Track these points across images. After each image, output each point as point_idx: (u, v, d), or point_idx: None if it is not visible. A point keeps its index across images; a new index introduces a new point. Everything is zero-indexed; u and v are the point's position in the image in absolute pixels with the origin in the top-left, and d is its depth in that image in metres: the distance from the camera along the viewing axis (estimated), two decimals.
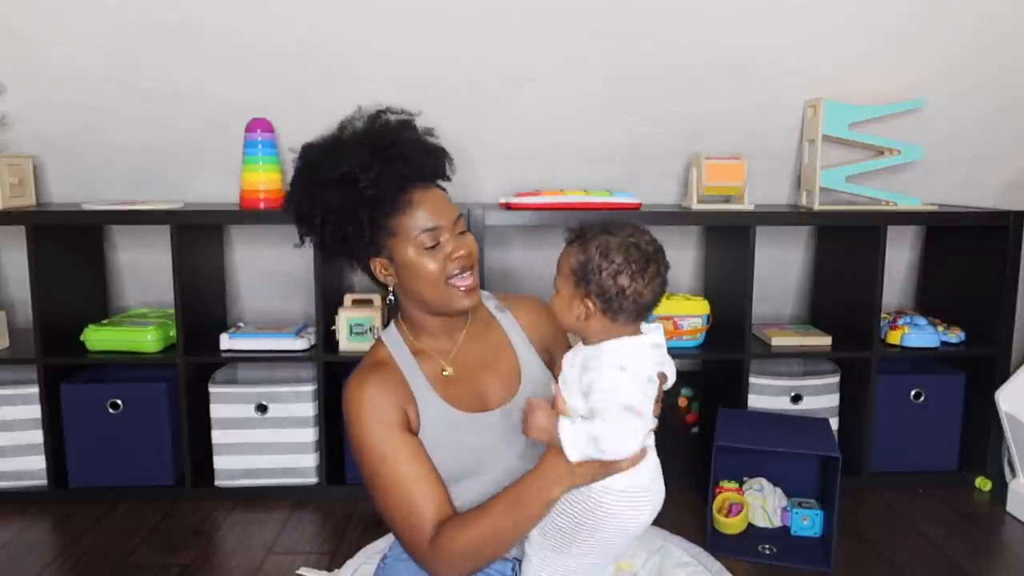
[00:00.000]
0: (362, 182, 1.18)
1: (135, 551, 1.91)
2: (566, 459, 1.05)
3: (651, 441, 1.14)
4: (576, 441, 1.03)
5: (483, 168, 2.34)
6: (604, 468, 1.08)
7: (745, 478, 2.08)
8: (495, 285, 2.39)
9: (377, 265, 1.25)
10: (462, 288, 1.22)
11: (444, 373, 1.26)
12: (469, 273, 1.22)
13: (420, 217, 1.20)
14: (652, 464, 1.14)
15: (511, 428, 1.21)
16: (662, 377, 1.12)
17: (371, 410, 1.18)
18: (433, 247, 1.20)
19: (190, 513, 2.11)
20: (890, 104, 2.21)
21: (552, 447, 1.09)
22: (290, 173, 1.29)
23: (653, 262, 1.08)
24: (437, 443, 1.20)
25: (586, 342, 1.12)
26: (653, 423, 1.11)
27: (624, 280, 1.06)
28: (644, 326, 1.12)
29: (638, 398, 1.05)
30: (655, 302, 1.10)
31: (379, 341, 1.31)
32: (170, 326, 2.19)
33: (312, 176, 1.22)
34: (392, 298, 1.29)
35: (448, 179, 1.30)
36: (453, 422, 1.21)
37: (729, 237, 2.28)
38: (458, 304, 1.22)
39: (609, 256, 1.06)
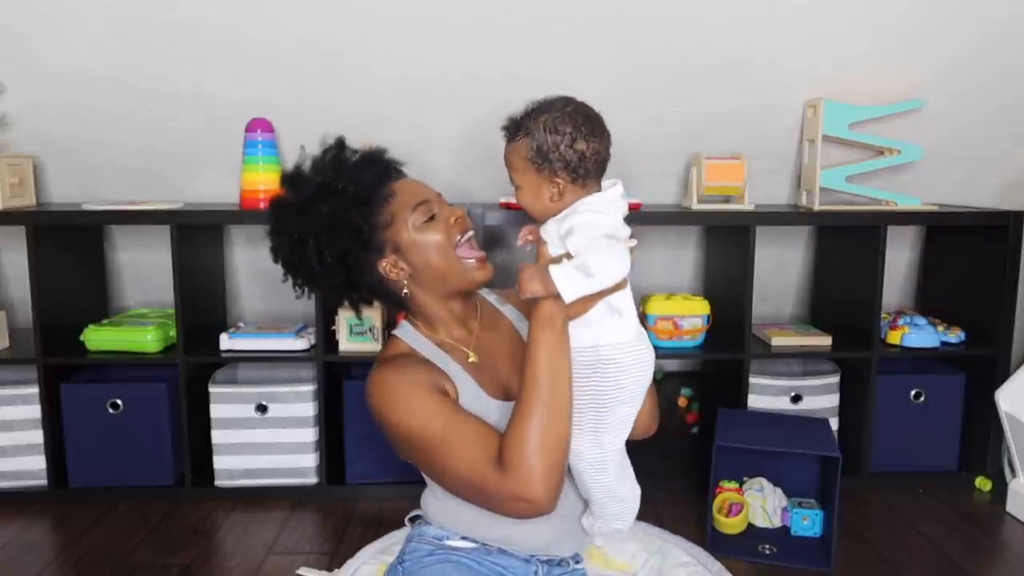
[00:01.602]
0: (341, 183, 1.21)
1: (135, 551, 1.91)
2: (555, 301, 1.11)
3: (630, 304, 1.19)
4: (569, 278, 1.08)
5: (483, 168, 2.34)
6: (593, 296, 1.12)
7: (745, 478, 2.08)
8: (495, 284, 2.39)
9: (386, 265, 1.25)
10: (473, 260, 1.24)
11: (469, 360, 1.26)
12: (471, 239, 1.26)
13: (407, 196, 1.24)
14: (633, 311, 1.19)
15: None
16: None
17: (406, 392, 1.17)
18: (430, 219, 1.23)
19: (190, 513, 2.11)
20: (890, 104, 2.21)
21: (539, 306, 1.13)
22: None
23: (596, 120, 1.15)
24: None
25: None
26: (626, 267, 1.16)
27: (581, 145, 1.12)
28: (605, 183, 1.19)
29: (616, 227, 1.13)
30: (609, 154, 1.17)
31: (394, 338, 1.31)
32: (170, 326, 2.19)
33: (289, 210, 1.24)
34: (407, 291, 1.27)
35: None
36: (486, 408, 1.21)
37: (729, 237, 2.28)
38: (474, 276, 1.25)
39: (559, 130, 1.12)
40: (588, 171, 1.14)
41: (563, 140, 1.11)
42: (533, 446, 1.09)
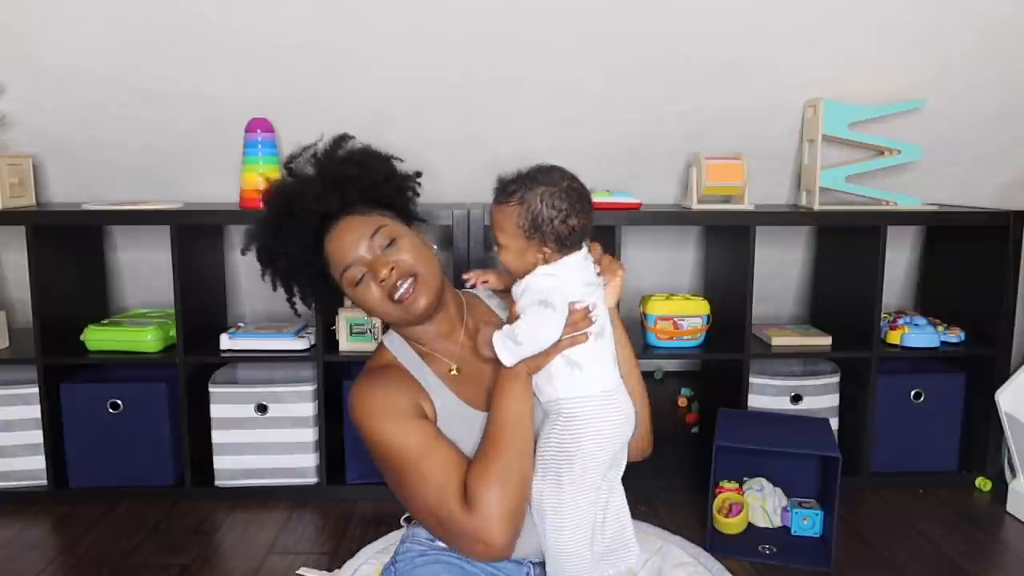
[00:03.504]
0: (277, 259, 1.25)
1: (135, 551, 1.91)
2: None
3: (608, 343, 1.21)
4: (503, 345, 1.15)
5: (483, 168, 2.34)
6: (547, 353, 1.16)
7: (745, 478, 2.08)
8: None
9: (348, 299, 1.29)
10: (405, 301, 1.20)
11: (451, 372, 1.26)
12: (409, 282, 1.20)
13: (334, 262, 1.23)
14: (612, 369, 1.21)
15: None
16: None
17: (382, 405, 1.18)
18: (361, 279, 1.21)
19: (190, 513, 2.11)
20: (890, 104, 2.22)
21: None
22: None
23: (586, 195, 1.20)
24: (455, 442, 1.19)
25: None
26: (599, 320, 1.19)
27: (573, 220, 1.17)
28: None
29: (561, 289, 1.15)
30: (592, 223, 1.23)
31: (381, 346, 1.32)
32: (170, 326, 2.19)
33: (257, 253, 1.29)
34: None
35: (369, 200, 1.27)
36: (470, 420, 1.21)
37: (729, 237, 2.28)
38: (411, 313, 1.22)
39: (556, 205, 1.16)
40: (573, 243, 1.18)
41: (558, 216, 1.15)
42: (495, 490, 1.11)
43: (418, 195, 1.38)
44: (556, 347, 1.16)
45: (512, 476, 1.13)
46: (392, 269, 1.19)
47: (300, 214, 1.23)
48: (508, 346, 1.15)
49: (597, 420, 1.17)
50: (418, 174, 1.38)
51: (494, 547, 1.12)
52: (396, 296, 1.20)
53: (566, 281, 1.17)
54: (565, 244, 1.17)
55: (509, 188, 1.19)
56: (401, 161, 1.35)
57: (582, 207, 1.17)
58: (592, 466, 1.17)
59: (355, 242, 1.21)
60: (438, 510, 1.14)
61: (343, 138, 1.32)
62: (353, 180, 1.25)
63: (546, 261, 1.17)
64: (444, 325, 1.29)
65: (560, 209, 1.15)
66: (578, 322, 1.16)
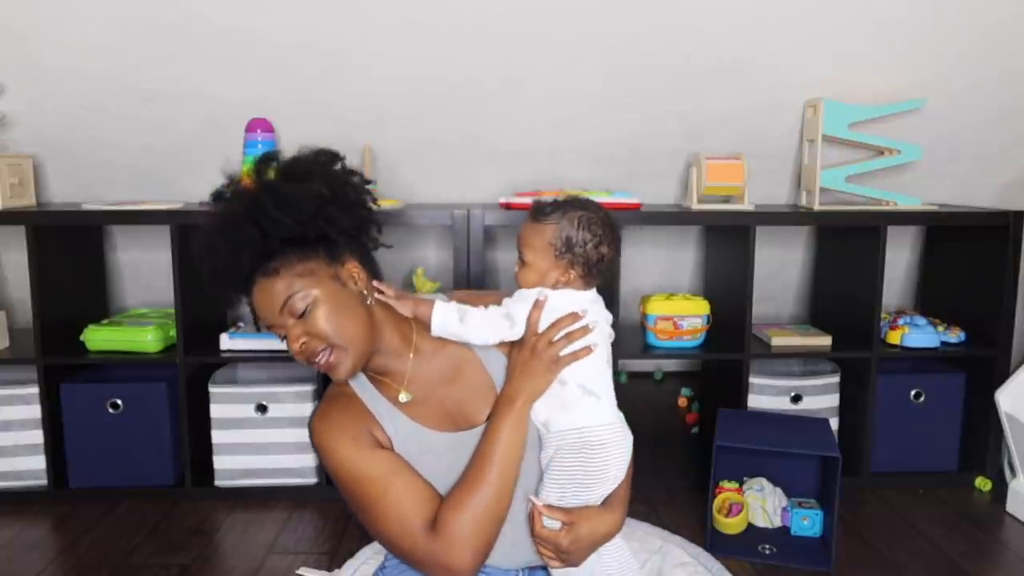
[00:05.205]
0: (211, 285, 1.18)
1: (135, 551, 1.91)
2: (515, 381, 1.18)
3: (610, 372, 1.23)
4: (447, 312, 1.18)
5: (483, 168, 2.34)
6: (549, 376, 1.16)
7: (745, 478, 2.08)
8: (494, 286, 2.39)
9: None
10: (326, 369, 1.16)
11: (401, 399, 1.22)
12: (325, 353, 1.14)
13: (261, 314, 1.18)
14: (610, 395, 1.22)
15: None
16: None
17: (339, 434, 1.18)
18: (284, 338, 1.16)
19: (190, 513, 2.11)
20: (890, 104, 2.22)
21: (504, 386, 1.21)
22: None
23: (617, 234, 1.23)
24: (415, 464, 1.18)
25: None
26: (602, 340, 1.20)
27: (604, 249, 1.20)
28: None
29: (520, 317, 1.19)
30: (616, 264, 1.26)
31: None
32: (170, 326, 2.19)
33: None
34: None
35: (283, 262, 1.14)
36: (426, 443, 1.20)
37: (729, 237, 2.28)
38: (335, 378, 1.18)
39: (591, 230, 1.19)
40: (599, 272, 1.21)
41: (591, 240, 1.18)
42: (471, 520, 1.11)
43: (370, 211, 1.24)
44: (557, 363, 1.16)
45: (490, 509, 1.13)
46: (304, 344, 1.14)
47: (215, 284, 1.17)
48: (451, 318, 1.18)
49: (618, 444, 1.19)
50: (367, 182, 1.24)
51: (459, 574, 1.12)
52: (313, 364, 1.16)
53: (553, 311, 1.19)
54: (591, 272, 1.20)
55: (547, 209, 1.22)
56: (350, 178, 1.22)
57: (613, 240, 1.20)
58: (613, 488, 1.20)
59: (268, 310, 1.15)
60: (400, 540, 1.14)
61: (259, 172, 1.17)
62: (253, 244, 1.12)
63: (567, 284, 1.20)
64: (389, 355, 1.23)
65: (596, 234, 1.19)
66: (572, 332, 1.17)
